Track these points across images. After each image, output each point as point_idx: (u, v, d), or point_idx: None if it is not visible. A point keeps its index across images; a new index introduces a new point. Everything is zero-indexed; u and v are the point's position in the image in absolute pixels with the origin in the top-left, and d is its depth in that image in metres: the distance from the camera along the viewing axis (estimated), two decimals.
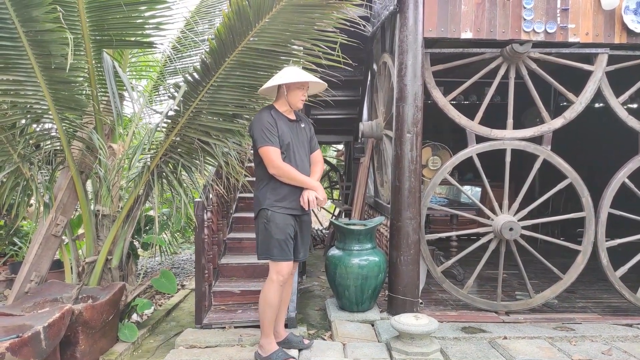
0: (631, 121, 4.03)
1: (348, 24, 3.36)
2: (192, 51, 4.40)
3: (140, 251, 5.19)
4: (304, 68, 3.61)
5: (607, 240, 4.03)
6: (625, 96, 4.00)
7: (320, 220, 8.97)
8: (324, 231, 8.40)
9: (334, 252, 4.04)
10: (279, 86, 3.02)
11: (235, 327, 3.56)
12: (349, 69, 3.72)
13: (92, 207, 3.77)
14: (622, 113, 4.01)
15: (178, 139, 3.59)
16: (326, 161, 8.91)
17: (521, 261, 4.06)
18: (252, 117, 3.81)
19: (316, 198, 3.00)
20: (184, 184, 3.75)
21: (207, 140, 3.58)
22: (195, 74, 3.31)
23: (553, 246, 4.17)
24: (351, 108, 6.79)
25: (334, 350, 3.27)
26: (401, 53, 3.82)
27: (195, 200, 3.59)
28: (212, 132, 3.58)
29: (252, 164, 5.07)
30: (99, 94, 3.64)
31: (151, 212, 4.71)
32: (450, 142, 5.46)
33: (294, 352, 3.17)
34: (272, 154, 2.91)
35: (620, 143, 4.27)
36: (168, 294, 4.63)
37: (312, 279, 5.36)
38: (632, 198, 4.06)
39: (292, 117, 3.13)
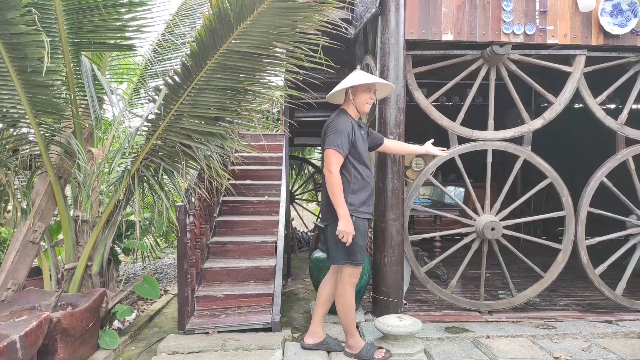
0: (608, 121, 4.10)
1: (330, 26, 3.36)
2: (173, 54, 4.35)
3: (121, 257, 5.11)
4: (287, 70, 3.61)
5: (587, 239, 4.10)
6: (602, 97, 4.08)
7: (305, 222, 8.95)
8: (309, 234, 8.38)
9: (318, 254, 4.03)
10: (346, 91, 3.14)
11: (219, 332, 3.52)
12: (332, 71, 3.72)
13: (71, 212, 3.71)
14: (600, 113, 4.09)
15: (159, 142, 3.55)
16: (311, 163, 8.90)
17: (504, 260, 4.10)
18: (234, 120, 3.80)
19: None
20: (166, 188, 3.70)
21: (189, 144, 3.54)
22: (176, 77, 3.28)
23: (535, 245, 4.22)
24: (335, 110, 6.79)
25: (318, 353, 3.26)
26: (383, 55, 3.84)
27: (177, 204, 3.55)
28: (194, 135, 3.54)
29: (235, 167, 5.07)
30: (77, 98, 3.58)
31: (132, 217, 4.65)
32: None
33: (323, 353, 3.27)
34: (336, 160, 2.99)
35: (599, 143, 4.35)
36: (151, 300, 4.57)
37: (297, 282, 5.35)
38: (610, 197, 4.13)
39: (358, 122, 3.23)
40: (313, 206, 10.07)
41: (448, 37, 3.85)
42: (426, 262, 5.02)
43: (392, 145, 3.58)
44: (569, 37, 3.90)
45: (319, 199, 9.32)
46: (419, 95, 4.03)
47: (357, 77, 3.14)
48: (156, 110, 3.32)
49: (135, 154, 3.55)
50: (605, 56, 4.06)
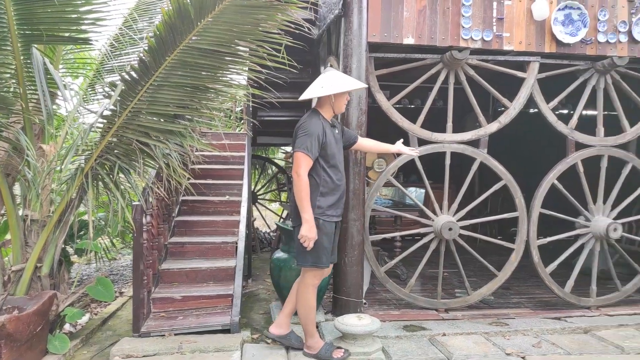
0: (560, 126, 4.28)
1: (293, 26, 3.35)
2: (131, 49, 4.22)
3: (74, 258, 4.93)
4: (249, 69, 3.58)
5: (538, 239, 4.26)
6: (554, 102, 4.25)
7: (268, 223, 8.90)
8: (271, 234, 8.34)
9: (279, 254, 4.02)
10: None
11: (176, 335, 3.45)
12: (295, 71, 3.71)
13: (20, 211, 3.54)
14: (552, 118, 4.26)
15: (115, 139, 3.44)
16: (274, 163, 8.86)
17: (461, 260, 4.21)
18: (195, 118, 3.73)
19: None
20: (122, 187, 3.59)
21: (147, 142, 3.45)
22: (133, 73, 3.19)
23: (491, 245, 4.36)
24: (299, 110, 6.79)
25: (276, 354, 3.25)
26: (346, 56, 3.86)
27: (134, 203, 3.46)
28: (152, 133, 3.45)
29: (196, 166, 4.98)
30: (28, 92, 3.42)
31: (86, 217, 4.49)
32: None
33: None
34: (305, 163, 2.97)
35: (553, 147, 4.53)
36: (105, 302, 4.42)
37: (257, 283, 5.31)
38: (563, 199, 4.30)
39: (331, 122, 3.22)
40: (276, 206, 10.04)
41: (409, 40, 3.91)
42: (386, 261, 5.09)
43: (366, 143, 3.59)
44: (523, 44, 4.04)
45: (282, 199, 9.31)
46: (380, 97, 4.08)
47: (338, 81, 3.10)
48: (112, 107, 3.21)
49: (90, 152, 3.42)
50: (557, 63, 4.24)
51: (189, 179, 4.10)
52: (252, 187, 8.28)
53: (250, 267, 5.46)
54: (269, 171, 9.45)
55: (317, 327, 3.77)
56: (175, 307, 3.79)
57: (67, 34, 3.47)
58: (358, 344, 3.30)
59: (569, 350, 3.43)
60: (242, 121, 7.04)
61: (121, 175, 3.54)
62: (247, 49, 3.46)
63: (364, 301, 4.07)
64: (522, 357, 3.30)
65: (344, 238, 3.88)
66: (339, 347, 3.23)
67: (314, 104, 3.39)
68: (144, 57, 3.12)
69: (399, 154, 3.82)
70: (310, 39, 4.42)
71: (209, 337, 3.45)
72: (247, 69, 3.60)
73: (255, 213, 8.19)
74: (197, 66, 3.33)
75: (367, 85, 3.54)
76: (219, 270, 4.11)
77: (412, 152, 3.74)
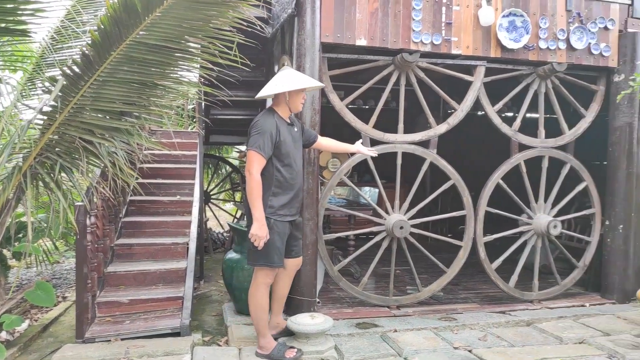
0: (504, 128, 4.47)
1: (245, 24, 3.31)
2: (74, 42, 4.03)
3: (13, 262, 4.66)
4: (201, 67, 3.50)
5: (485, 236, 4.43)
6: (499, 105, 4.42)
7: (222, 223, 8.76)
8: (224, 234, 8.22)
9: (232, 255, 3.97)
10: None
11: (123, 340, 3.33)
12: (248, 69, 3.67)
13: None
14: (497, 120, 4.43)
15: (56, 137, 3.27)
16: (228, 162, 8.73)
17: (413, 257, 4.31)
18: (142, 115, 3.61)
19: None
20: (64, 187, 3.42)
21: (91, 139, 3.30)
22: (75, 67, 3.04)
23: (442, 242, 4.48)
24: (253, 109, 6.73)
25: (228, 356, 3.20)
26: (299, 56, 3.86)
27: (77, 204, 3.30)
28: (97, 130, 3.31)
29: (144, 165, 4.83)
30: None
31: (25, 218, 4.24)
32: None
33: None
34: (257, 162, 2.97)
35: (498, 147, 4.71)
36: (46, 308, 4.20)
37: (210, 284, 5.21)
38: (509, 197, 4.49)
39: (288, 120, 3.22)
40: (230, 206, 9.90)
41: (362, 42, 3.96)
42: (340, 260, 5.12)
43: (326, 142, 3.62)
44: (471, 49, 4.18)
45: (237, 199, 9.19)
46: (334, 98, 4.10)
47: (294, 80, 3.11)
48: (52, 103, 3.05)
49: (28, 149, 3.24)
50: (502, 68, 4.41)
51: (137, 178, 3.96)
52: (205, 186, 8.13)
53: (202, 268, 5.35)
54: (223, 170, 9.31)
55: None
56: (122, 311, 3.66)
57: (3, 25, 3.26)
58: (311, 342, 3.31)
59: (513, 343, 3.59)
60: (195, 119, 6.89)
61: (63, 174, 3.37)
62: (199, 46, 3.39)
63: (318, 300, 4.09)
64: (469, 351, 3.42)
65: None
66: (291, 347, 3.22)
67: (269, 104, 3.38)
68: (87, 51, 2.99)
69: (343, 157, 3.88)
70: (263, 38, 4.40)
71: (157, 341, 3.36)
72: (198, 66, 3.53)
73: (209, 213, 8.05)
74: (145, 62, 3.22)
75: (322, 85, 3.58)
76: (169, 272, 4.00)
77: (370, 153, 3.79)
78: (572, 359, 3.27)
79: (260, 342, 3.21)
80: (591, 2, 4.43)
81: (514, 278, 4.49)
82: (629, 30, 4.50)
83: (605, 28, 4.46)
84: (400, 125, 4.27)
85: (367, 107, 7.88)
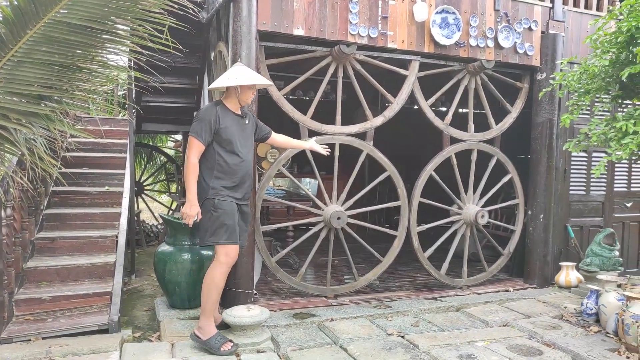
0: (437, 121, 4.63)
1: (177, 7, 3.17)
2: None
3: None
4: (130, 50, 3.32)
5: (419, 226, 4.58)
6: (432, 99, 4.57)
7: (156, 215, 8.44)
8: (159, 227, 7.93)
9: (164, 248, 3.84)
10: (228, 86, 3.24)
11: (44, 339, 3.12)
12: (181, 55, 3.53)
13: None
14: (430, 114, 4.58)
15: None
16: (163, 152, 8.41)
17: (352, 247, 4.38)
18: (63, 100, 3.37)
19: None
20: None
21: (5, 125, 3.03)
22: None
23: (379, 232, 4.57)
24: (189, 96, 6.51)
25: (160, 351, 3.09)
26: (235, 43, 3.77)
27: None
28: (12, 115, 3.03)
29: (68, 154, 4.55)
30: None
31: None
32: (291, 135, 5.62)
33: None
34: (195, 147, 3.14)
35: (433, 141, 4.86)
36: None
37: (142, 278, 5.02)
38: (440, 188, 4.66)
39: (238, 112, 3.34)
40: (165, 198, 9.55)
41: (299, 32, 3.93)
42: (279, 251, 5.11)
43: (279, 139, 3.74)
44: (406, 43, 4.28)
45: (172, 189, 8.89)
46: (271, 87, 4.04)
47: (244, 75, 3.23)
48: None
49: None
50: (435, 63, 4.55)
51: (59, 167, 3.71)
52: (137, 177, 7.79)
53: (133, 262, 5.13)
54: (157, 160, 8.96)
55: None
56: (44, 308, 3.43)
57: None
58: (246, 335, 3.27)
59: (443, 327, 3.74)
60: (126, 106, 6.57)
61: None
62: (128, 28, 3.20)
63: (255, 292, 4.05)
64: (402, 336, 3.53)
65: None
66: (228, 340, 3.17)
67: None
68: None
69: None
70: (198, 23, 4.25)
71: (83, 338, 3.19)
72: (127, 49, 3.34)
73: (142, 205, 7.73)
74: (68, 43, 2.99)
75: (271, 83, 3.64)
76: (96, 267, 3.80)
77: (322, 151, 3.83)
78: (497, 340, 3.46)
79: (202, 322, 3.20)
80: (517, 3, 4.68)
81: (445, 266, 4.68)
82: (550, 31, 4.80)
83: (530, 28, 4.72)
84: (338, 117, 4.30)
85: (307, 98, 7.86)
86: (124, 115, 6.57)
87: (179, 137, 8.88)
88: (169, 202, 8.84)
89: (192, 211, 3.11)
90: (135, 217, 6.04)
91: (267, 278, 4.87)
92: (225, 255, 3.21)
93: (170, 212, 7.97)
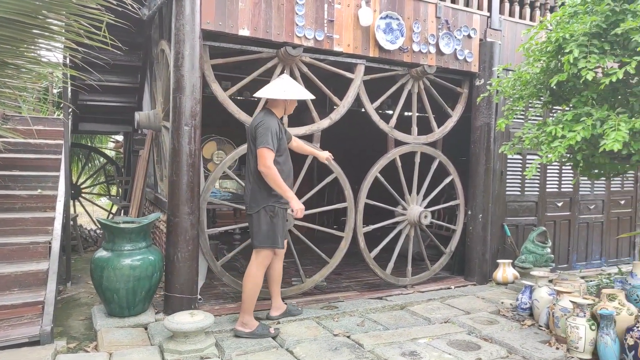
0: (382, 124, 4.72)
1: (115, 2, 3.04)
2: None
3: None
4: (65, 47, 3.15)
5: (364, 227, 4.65)
6: (377, 103, 4.66)
7: (95, 219, 8.06)
8: (97, 232, 7.57)
9: (101, 253, 3.67)
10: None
11: None
12: (120, 52, 3.39)
13: None
14: (375, 117, 4.67)
15: None
16: (102, 153, 8.04)
17: (301, 249, 4.37)
18: None
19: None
20: None
21: None
22: None
23: (327, 234, 4.59)
24: (129, 96, 6.27)
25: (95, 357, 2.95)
26: (177, 42, 3.67)
27: None
28: None
29: (8, 155, 4.26)
30: None
31: None
32: (238, 137, 5.54)
33: None
34: (268, 156, 3.31)
35: (380, 142, 4.95)
36: None
37: (79, 286, 4.76)
38: (386, 190, 4.75)
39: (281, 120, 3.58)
40: (105, 201, 9.14)
41: (245, 32, 3.89)
42: (225, 254, 5.02)
43: (296, 143, 3.92)
44: (351, 47, 4.34)
45: (113, 192, 8.52)
46: (216, 88, 3.98)
47: (299, 91, 3.53)
48: None
49: None
50: (380, 67, 4.65)
51: None
52: (74, 179, 7.41)
53: (69, 269, 4.86)
54: (97, 162, 8.56)
55: (145, 329, 3.56)
56: None
57: None
58: (190, 341, 3.19)
59: (387, 326, 3.82)
60: (61, 105, 6.23)
61: None
62: (62, 24, 3.03)
63: (199, 297, 3.96)
64: (348, 337, 3.56)
65: (176, 232, 3.72)
66: (274, 328, 3.56)
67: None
68: None
69: (229, 149, 3.88)
70: (139, 20, 4.12)
71: (12, 352, 3.00)
72: (61, 45, 3.17)
73: (79, 209, 7.36)
74: None
75: (314, 97, 3.75)
76: (26, 275, 3.56)
77: (324, 161, 4.10)
78: (438, 337, 3.58)
79: (245, 319, 3.46)
80: (457, 11, 4.87)
81: (391, 265, 4.78)
82: (488, 39, 5.03)
83: (469, 36, 4.93)
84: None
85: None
86: (59, 114, 6.23)
87: (119, 137, 8.53)
88: (109, 205, 8.46)
89: (301, 205, 3.39)
90: (72, 222, 5.73)
91: (212, 282, 4.78)
92: (269, 258, 3.51)
93: (111, 215, 7.64)
